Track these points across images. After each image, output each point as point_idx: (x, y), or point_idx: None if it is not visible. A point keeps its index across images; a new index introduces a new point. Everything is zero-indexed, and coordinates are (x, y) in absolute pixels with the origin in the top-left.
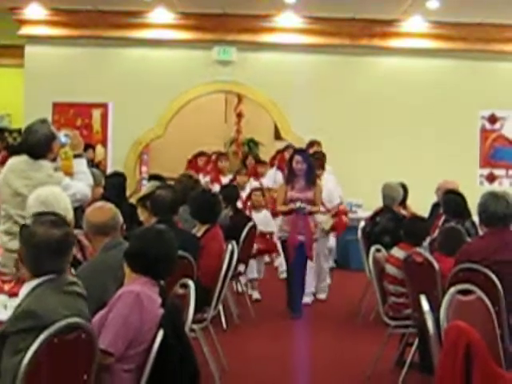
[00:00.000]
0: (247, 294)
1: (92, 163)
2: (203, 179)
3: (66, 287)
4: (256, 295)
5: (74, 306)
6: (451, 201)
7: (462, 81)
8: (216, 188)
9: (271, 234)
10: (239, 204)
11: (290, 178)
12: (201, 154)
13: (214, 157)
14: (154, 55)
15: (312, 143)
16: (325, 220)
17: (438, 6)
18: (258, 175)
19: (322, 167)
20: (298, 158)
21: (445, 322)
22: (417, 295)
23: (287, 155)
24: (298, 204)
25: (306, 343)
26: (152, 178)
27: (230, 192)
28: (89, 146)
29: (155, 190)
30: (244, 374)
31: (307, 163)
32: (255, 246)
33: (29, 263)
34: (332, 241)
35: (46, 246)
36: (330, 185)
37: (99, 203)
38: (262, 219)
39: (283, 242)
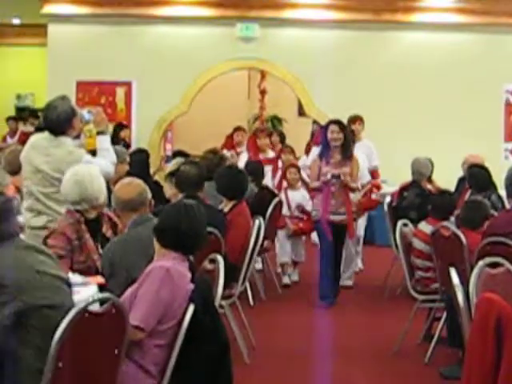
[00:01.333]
0: (274, 272)
1: (125, 142)
2: (229, 152)
3: (21, 242)
4: (286, 280)
5: (36, 258)
6: (476, 174)
7: (485, 55)
8: None
9: (308, 213)
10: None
11: (325, 152)
12: (238, 129)
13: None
14: (177, 32)
15: (354, 119)
16: (352, 196)
17: None
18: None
19: (353, 140)
20: (333, 127)
21: (474, 294)
22: (445, 269)
23: None
24: (329, 175)
25: (332, 318)
26: (177, 154)
27: (255, 167)
28: (123, 126)
29: (182, 167)
30: (272, 351)
31: (344, 134)
32: (291, 227)
33: None
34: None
35: None
36: (360, 161)
37: (127, 179)
38: (300, 198)
39: (316, 223)
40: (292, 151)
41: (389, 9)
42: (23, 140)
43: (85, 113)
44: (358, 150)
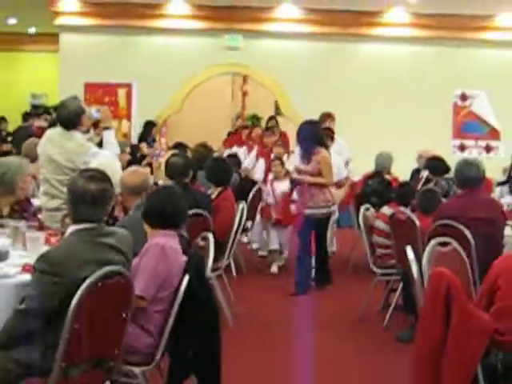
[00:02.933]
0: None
1: (153, 138)
2: (240, 151)
3: (98, 238)
4: (274, 269)
5: (96, 255)
6: (437, 164)
7: (438, 64)
8: (261, 162)
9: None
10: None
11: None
12: (244, 127)
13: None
14: (172, 42)
15: (325, 117)
16: (335, 194)
17: None
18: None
19: (331, 138)
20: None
21: (427, 269)
22: (401, 247)
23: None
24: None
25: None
26: (176, 145)
27: (235, 160)
28: (153, 124)
29: (171, 158)
30: (253, 317)
31: (300, 136)
32: (274, 216)
33: (69, 209)
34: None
35: (82, 196)
36: (335, 159)
37: (133, 168)
38: (285, 187)
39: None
40: (283, 145)
41: (354, 23)
42: (37, 133)
43: (93, 111)
44: (331, 149)
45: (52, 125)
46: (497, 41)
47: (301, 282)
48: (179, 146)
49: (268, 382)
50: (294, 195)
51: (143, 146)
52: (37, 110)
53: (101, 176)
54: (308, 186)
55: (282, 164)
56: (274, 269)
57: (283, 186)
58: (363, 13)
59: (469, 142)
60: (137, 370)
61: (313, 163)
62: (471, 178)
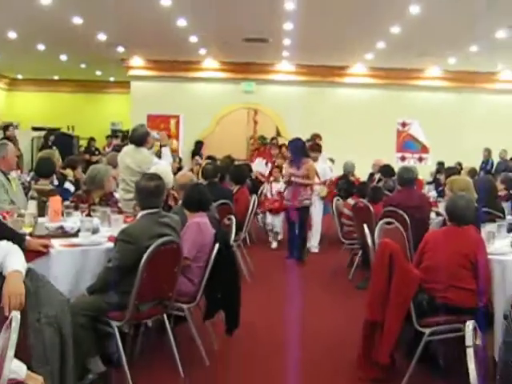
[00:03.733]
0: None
1: (201, 154)
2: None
3: (159, 219)
4: (274, 245)
5: (157, 230)
6: (387, 169)
7: (387, 102)
8: (268, 167)
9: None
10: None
11: (290, 159)
12: (256, 149)
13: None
14: (207, 87)
15: (314, 136)
16: (320, 189)
17: (373, 57)
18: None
19: (319, 151)
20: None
21: (377, 240)
22: (360, 226)
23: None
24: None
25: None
26: (208, 157)
27: (249, 167)
28: (202, 143)
29: (205, 165)
30: (261, 272)
31: (291, 150)
32: (270, 206)
33: (138, 200)
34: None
35: (145, 191)
36: (322, 166)
37: (183, 171)
38: (280, 187)
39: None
40: (283, 157)
41: (330, 74)
42: (115, 149)
43: (155, 134)
44: (320, 158)
45: (126, 144)
46: (427, 86)
47: (296, 250)
48: (210, 157)
49: (271, 316)
50: (285, 194)
51: (197, 158)
52: (115, 133)
53: (156, 176)
54: (299, 186)
55: (281, 171)
56: (274, 245)
57: (278, 185)
58: (336, 67)
59: (407, 155)
60: (184, 306)
61: (302, 170)
62: (408, 179)
